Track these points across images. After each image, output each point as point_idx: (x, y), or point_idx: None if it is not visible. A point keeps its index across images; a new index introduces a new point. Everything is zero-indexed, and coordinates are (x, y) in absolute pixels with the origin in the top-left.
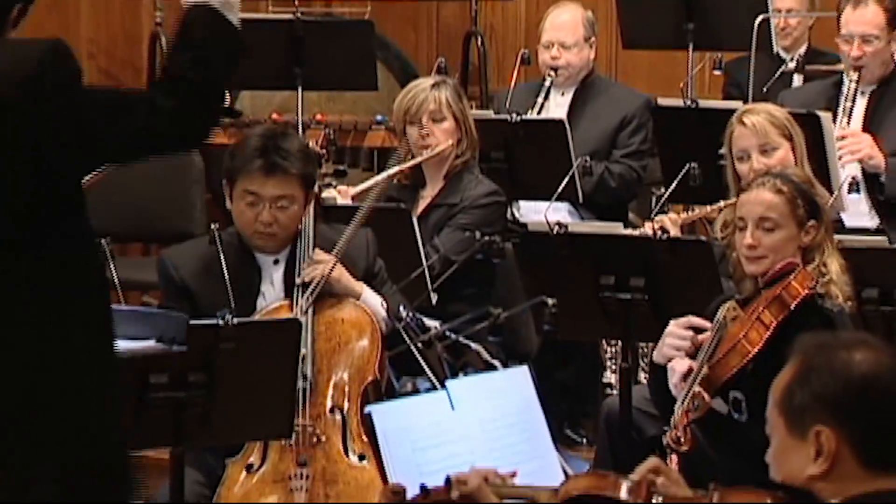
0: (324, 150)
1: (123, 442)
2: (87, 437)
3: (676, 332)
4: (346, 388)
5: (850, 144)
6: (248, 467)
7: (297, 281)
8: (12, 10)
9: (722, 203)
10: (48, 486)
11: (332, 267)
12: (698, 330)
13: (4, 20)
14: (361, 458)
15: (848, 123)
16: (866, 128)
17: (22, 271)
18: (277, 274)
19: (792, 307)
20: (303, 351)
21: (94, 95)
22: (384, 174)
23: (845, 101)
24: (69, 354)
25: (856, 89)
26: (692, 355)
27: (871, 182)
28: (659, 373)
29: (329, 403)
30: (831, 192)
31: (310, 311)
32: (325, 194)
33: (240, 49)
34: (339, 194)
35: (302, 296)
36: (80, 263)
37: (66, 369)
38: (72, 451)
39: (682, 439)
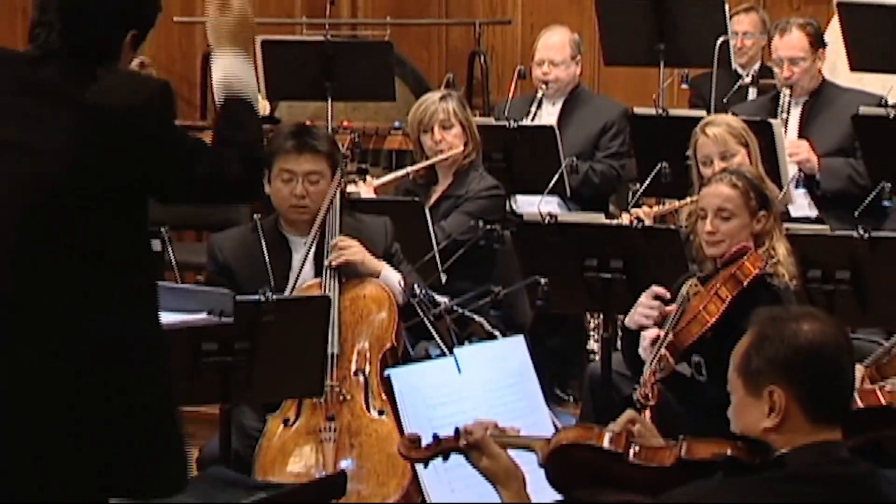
0: (349, 152)
1: (174, 412)
2: (140, 406)
3: (646, 302)
4: (368, 354)
5: (790, 150)
6: (286, 421)
7: (326, 263)
8: (125, 36)
9: (688, 199)
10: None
11: (356, 251)
12: (666, 301)
13: (118, 46)
14: (381, 413)
15: (785, 132)
16: (801, 134)
17: (93, 268)
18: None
19: (745, 284)
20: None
21: (183, 136)
22: (401, 171)
23: (782, 112)
24: (129, 331)
25: (790, 102)
26: (660, 324)
27: (809, 180)
28: (629, 336)
29: (353, 367)
30: (781, 188)
31: (336, 288)
32: (350, 189)
33: (260, 120)
34: (365, 185)
35: (330, 276)
36: (137, 262)
37: (127, 344)
38: (127, 422)
39: (650, 395)
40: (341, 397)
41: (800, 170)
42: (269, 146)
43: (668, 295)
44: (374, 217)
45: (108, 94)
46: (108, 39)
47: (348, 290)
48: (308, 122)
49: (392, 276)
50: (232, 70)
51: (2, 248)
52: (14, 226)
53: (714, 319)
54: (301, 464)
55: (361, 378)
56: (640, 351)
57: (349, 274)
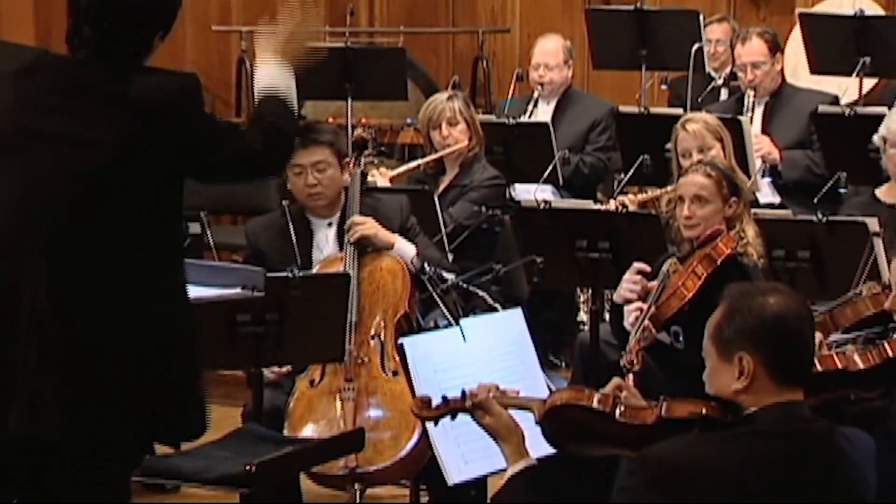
0: (369, 137)
1: (198, 369)
2: (172, 363)
3: (630, 278)
4: (384, 321)
5: (754, 144)
6: (311, 382)
7: (346, 239)
8: (155, 36)
9: (668, 188)
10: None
11: (369, 226)
12: (648, 277)
13: (149, 45)
14: (395, 373)
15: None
16: (764, 130)
17: (134, 242)
18: (330, 233)
19: (718, 263)
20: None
21: (213, 120)
22: (413, 163)
23: (747, 111)
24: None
25: (753, 102)
26: (643, 299)
27: (772, 171)
28: (616, 311)
29: (371, 332)
30: (750, 178)
31: (355, 262)
32: (369, 178)
33: (296, 117)
34: (380, 175)
35: (349, 251)
36: (170, 238)
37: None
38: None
39: (635, 361)
40: (360, 360)
41: (763, 162)
42: None
43: (649, 269)
44: (392, 196)
45: (145, 90)
46: (140, 41)
47: (367, 263)
48: (331, 119)
49: (405, 248)
50: (275, 77)
51: (57, 227)
52: (67, 206)
53: (691, 294)
54: (325, 420)
55: (378, 342)
56: (626, 323)
57: (367, 248)
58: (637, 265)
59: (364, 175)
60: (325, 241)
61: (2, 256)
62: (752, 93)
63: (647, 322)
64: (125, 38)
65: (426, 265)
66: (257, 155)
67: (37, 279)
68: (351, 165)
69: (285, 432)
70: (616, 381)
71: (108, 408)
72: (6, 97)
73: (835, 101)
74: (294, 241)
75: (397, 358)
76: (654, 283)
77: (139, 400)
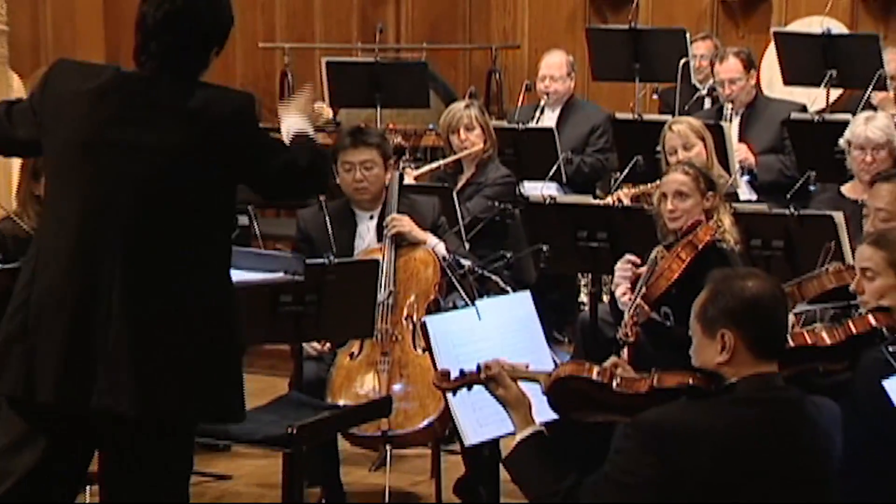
0: (407, 145)
1: (240, 353)
2: (221, 348)
3: (621, 267)
4: (416, 304)
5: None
6: (351, 355)
7: (385, 233)
8: (211, 52)
9: (657, 182)
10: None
11: (405, 223)
12: (637, 265)
13: (207, 61)
14: (424, 350)
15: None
16: (741, 138)
17: (192, 236)
18: (371, 225)
19: (700, 248)
20: (383, 284)
21: (265, 135)
22: (435, 164)
23: (725, 121)
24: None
25: (731, 113)
26: (633, 283)
27: (749, 173)
28: (614, 297)
29: (405, 314)
30: (730, 175)
31: (392, 253)
32: (406, 177)
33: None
34: (407, 175)
35: (388, 243)
36: (222, 233)
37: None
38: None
39: (629, 334)
40: (394, 338)
41: (741, 165)
42: (334, 145)
43: (639, 261)
44: (426, 197)
45: (205, 104)
46: (200, 57)
47: (403, 255)
48: (363, 124)
49: (436, 243)
50: (301, 125)
51: (128, 225)
52: (135, 205)
53: (676, 275)
54: (362, 388)
55: (410, 323)
56: (620, 304)
57: (403, 241)
58: (627, 257)
59: (402, 177)
60: (366, 231)
61: (81, 252)
62: (729, 105)
63: (639, 300)
64: (187, 54)
65: (447, 253)
66: (302, 170)
67: (112, 273)
68: (382, 165)
69: (328, 400)
70: (613, 359)
71: (174, 386)
72: (83, 112)
73: (803, 109)
74: (330, 230)
75: None
76: (644, 269)
77: (199, 379)
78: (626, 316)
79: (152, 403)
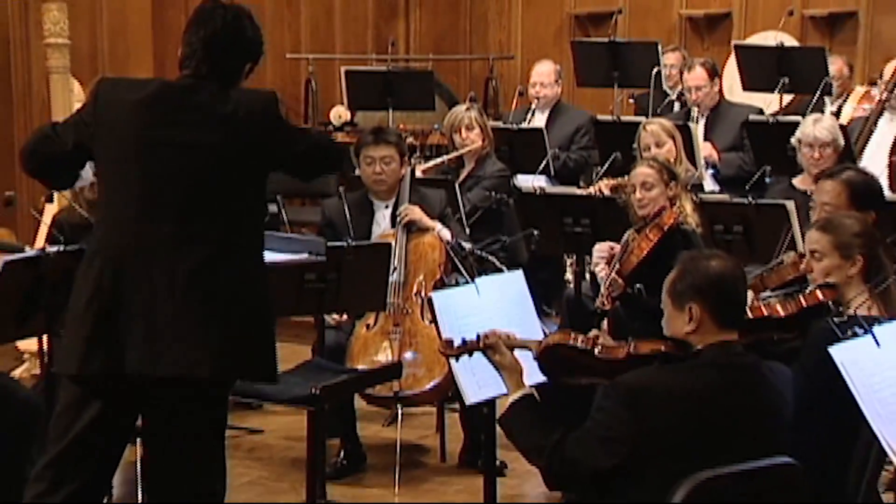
0: (418, 144)
1: (274, 321)
2: (260, 314)
3: (599, 248)
4: (424, 282)
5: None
6: (367, 326)
7: (398, 220)
8: (245, 66)
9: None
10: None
11: (416, 212)
12: (612, 247)
13: (241, 73)
14: (431, 322)
15: None
16: (706, 138)
17: (234, 221)
18: (387, 213)
19: (665, 230)
20: (396, 264)
21: (290, 125)
22: (439, 159)
23: (692, 122)
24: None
25: (697, 116)
26: (609, 262)
27: (713, 168)
28: (595, 275)
29: (414, 290)
30: (697, 170)
31: (404, 237)
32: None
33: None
34: (417, 169)
35: (400, 229)
36: (258, 218)
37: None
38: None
39: (606, 303)
40: (404, 311)
41: (706, 161)
42: (357, 142)
43: (617, 246)
44: (434, 190)
45: (239, 107)
46: (236, 70)
47: (413, 239)
48: (383, 125)
49: (442, 230)
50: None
51: (178, 214)
52: (184, 197)
53: (645, 253)
54: (377, 355)
55: (419, 298)
56: (598, 280)
57: (413, 228)
58: (605, 244)
59: (413, 172)
60: (382, 218)
61: (137, 238)
62: (696, 109)
63: (614, 275)
64: (226, 66)
65: (451, 238)
66: (324, 148)
67: (169, 257)
68: (399, 160)
69: (346, 364)
70: (595, 332)
71: (233, 352)
72: (135, 118)
73: (760, 112)
74: (348, 217)
75: None
76: (618, 248)
77: (250, 346)
78: (602, 288)
79: (220, 367)
